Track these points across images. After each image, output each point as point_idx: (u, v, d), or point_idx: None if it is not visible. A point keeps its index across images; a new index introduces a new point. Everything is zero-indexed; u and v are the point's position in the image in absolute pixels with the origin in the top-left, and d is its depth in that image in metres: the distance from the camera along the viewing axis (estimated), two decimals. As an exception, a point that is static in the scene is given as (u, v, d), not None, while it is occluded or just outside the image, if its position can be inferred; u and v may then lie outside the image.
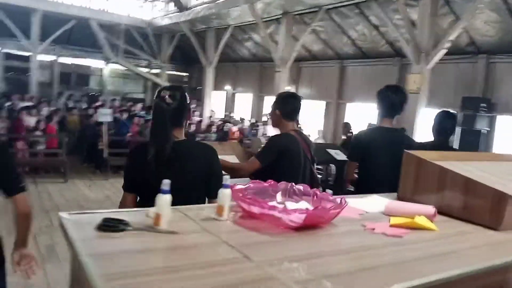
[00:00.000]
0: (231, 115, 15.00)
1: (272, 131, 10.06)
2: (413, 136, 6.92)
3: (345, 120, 10.52)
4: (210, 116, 13.78)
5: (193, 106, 16.12)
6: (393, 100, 2.98)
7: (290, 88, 13.34)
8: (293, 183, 1.50)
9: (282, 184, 1.49)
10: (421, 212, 1.32)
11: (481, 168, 1.46)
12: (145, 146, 1.97)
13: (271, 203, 1.24)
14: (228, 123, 12.05)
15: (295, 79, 13.52)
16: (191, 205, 1.49)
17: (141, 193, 2.04)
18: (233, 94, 17.13)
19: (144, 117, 10.06)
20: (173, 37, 16.01)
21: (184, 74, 20.83)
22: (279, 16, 10.78)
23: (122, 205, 2.02)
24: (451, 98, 8.63)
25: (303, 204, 1.36)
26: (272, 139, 2.85)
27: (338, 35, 11.17)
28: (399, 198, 1.54)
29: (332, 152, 4.02)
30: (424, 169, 1.47)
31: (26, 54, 14.68)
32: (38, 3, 13.44)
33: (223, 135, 10.85)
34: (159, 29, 15.52)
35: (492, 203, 1.28)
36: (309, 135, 10.99)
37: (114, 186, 7.77)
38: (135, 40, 15.82)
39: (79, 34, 15.90)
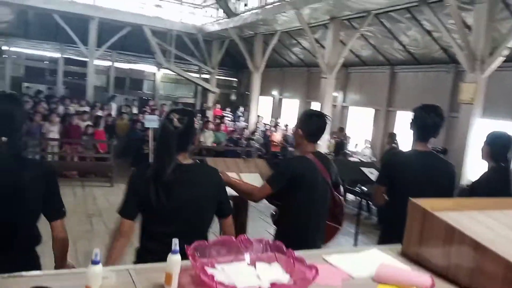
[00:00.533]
0: (278, 121, 14.87)
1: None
2: (466, 154, 6.49)
3: (395, 130, 10.09)
4: (257, 122, 13.74)
5: (240, 110, 16.24)
6: (428, 122, 2.72)
7: (337, 95, 13.08)
8: (268, 241, 1.35)
9: (255, 241, 1.33)
10: (416, 282, 1.12)
11: (506, 221, 1.23)
12: (147, 167, 1.95)
13: (219, 279, 1.11)
14: (270, 130, 11.94)
15: (343, 85, 13.19)
16: (146, 264, 1.43)
17: (143, 218, 2.00)
18: (280, 100, 17.02)
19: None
20: (222, 42, 16.19)
21: (233, 79, 21.02)
22: (326, 22, 10.54)
23: (118, 233, 1.96)
24: (509, 109, 7.99)
25: (274, 270, 1.21)
26: (284, 162, 2.71)
27: (389, 40, 10.73)
28: (403, 253, 1.35)
29: (366, 171, 3.76)
30: (430, 223, 1.27)
31: (84, 59, 15.44)
32: (95, 11, 14.10)
33: (265, 142, 10.77)
34: (209, 35, 15.75)
35: (504, 274, 1.06)
36: (356, 145, 10.63)
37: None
38: (186, 45, 16.15)
39: (133, 41, 16.52)
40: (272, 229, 2.72)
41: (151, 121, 9.02)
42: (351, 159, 10.35)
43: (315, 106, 12.39)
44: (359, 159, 10.57)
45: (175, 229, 1.94)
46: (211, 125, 10.54)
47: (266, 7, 11.61)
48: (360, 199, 4.78)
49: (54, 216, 1.93)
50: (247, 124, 13.62)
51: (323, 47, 10.87)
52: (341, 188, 2.90)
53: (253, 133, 11.01)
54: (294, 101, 16.20)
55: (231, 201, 3.03)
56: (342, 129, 10.14)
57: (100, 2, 14.65)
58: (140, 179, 1.95)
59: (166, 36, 15.46)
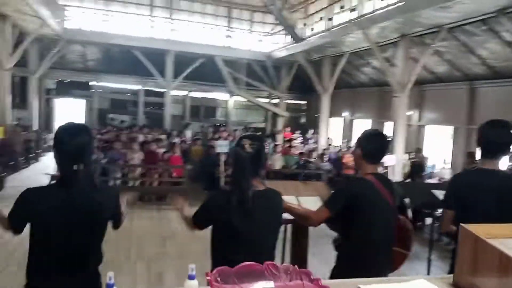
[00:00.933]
0: (349, 142, 14.56)
1: (391, 161, 9.50)
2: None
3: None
4: (329, 144, 13.57)
5: (311, 133, 16.18)
6: (497, 139, 2.51)
7: (412, 113, 12.54)
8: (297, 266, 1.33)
9: (283, 268, 1.30)
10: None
11: None
12: (226, 194, 2.05)
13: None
14: (342, 151, 11.71)
15: (418, 103, 12.64)
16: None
17: (216, 240, 2.12)
18: (351, 121, 16.70)
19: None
20: (291, 67, 16.40)
21: (303, 102, 21.07)
22: (396, 39, 10.26)
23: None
24: None
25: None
26: (342, 184, 2.61)
27: (465, 54, 10.15)
28: (454, 283, 1.24)
29: (438, 193, 3.52)
30: (483, 251, 1.16)
31: (162, 90, 16.47)
32: (172, 45, 15.09)
33: (337, 164, 10.56)
34: (277, 61, 16.07)
35: None
36: (433, 165, 10.02)
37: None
38: (256, 72, 16.62)
39: (206, 70, 17.33)
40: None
41: (222, 146, 9.30)
42: (430, 180, 9.80)
43: (388, 126, 12.00)
44: (439, 180, 9.98)
45: (247, 253, 2.01)
46: (280, 149, 10.61)
47: (332, 30, 11.61)
48: (433, 222, 4.48)
49: (118, 226, 2.20)
50: (316, 145, 13.51)
51: (393, 65, 10.57)
52: (409, 212, 2.75)
53: (322, 155, 10.86)
54: (366, 122, 15.79)
55: (289, 225, 3.02)
56: (419, 150, 9.65)
57: (176, 36, 15.66)
58: (218, 206, 2.05)
59: (236, 65, 16.06)
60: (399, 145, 9.91)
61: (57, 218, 1.86)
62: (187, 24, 16.79)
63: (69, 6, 15.08)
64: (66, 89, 17.97)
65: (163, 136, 11.88)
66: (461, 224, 1.30)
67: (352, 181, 2.58)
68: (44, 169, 11.07)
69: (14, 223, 1.93)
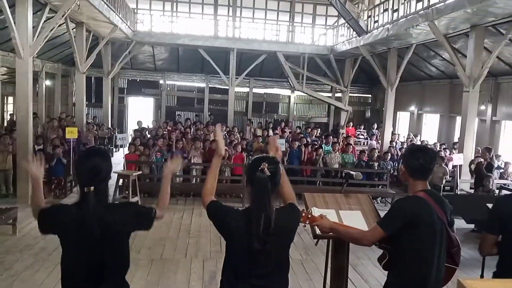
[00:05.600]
0: (415, 138, 13.90)
1: (459, 160, 8.93)
2: None
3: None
4: (391, 141, 13.05)
5: (375, 128, 15.67)
6: None
7: (483, 108, 11.68)
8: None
9: None
10: None
11: None
12: (245, 214, 2.12)
13: None
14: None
15: (492, 97, 11.74)
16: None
17: (230, 255, 2.19)
18: (420, 115, 15.89)
19: (316, 144, 10.25)
20: (355, 60, 15.95)
21: (368, 95, 20.43)
22: (467, 30, 9.57)
23: None
24: None
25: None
26: (397, 203, 2.50)
27: (546, 43, 9.23)
28: None
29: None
30: None
31: (225, 87, 16.84)
32: (234, 43, 15.34)
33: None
34: (341, 54, 15.70)
35: None
36: (505, 164, 9.26)
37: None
38: (318, 66, 16.38)
39: (268, 67, 17.43)
40: (379, 273, 2.57)
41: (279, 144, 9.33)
42: (502, 181, 9.10)
43: (459, 120, 11.25)
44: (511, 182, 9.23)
45: (264, 271, 2.08)
46: (339, 146, 10.38)
47: (397, 22, 11.09)
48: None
49: (149, 227, 2.28)
50: (378, 144, 13.06)
51: (465, 56, 9.88)
52: (454, 228, 2.62)
53: (385, 153, 10.45)
54: (435, 116, 14.98)
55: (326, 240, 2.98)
56: (488, 150, 8.94)
57: (239, 34, 15.90)
58: (241, 223, 2.10)
59: (299, 60, 15.92)
60: (468, 142, 9.29)
61: (71, 235, 2.08)
62: (250, 21, 16.95)
63: (139, 9, 15.89)
64: (136, 88, 19.02)
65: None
66: (458, 279, 1.21)
67: (409, 200, 2.47)
68: (115, 166, 11.82)
69: (40, 227, 2.17)
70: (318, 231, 2.67)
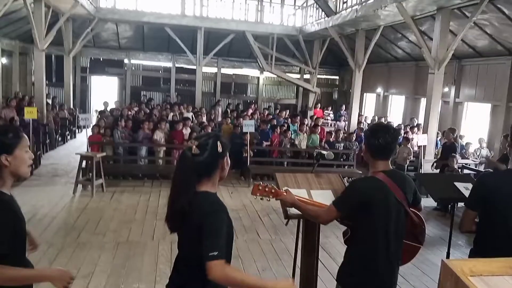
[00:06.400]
0: (382, 119, 14.13)
1: (423, 140, 9.14)
2: None
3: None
4: (359, 122, 13.21)
5: (343, 109, 15.82)
6: None
7: (447, 90, 11.96)
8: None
9: None
10: None
11: None
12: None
13: None
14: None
15: (455, 79, 12.03)
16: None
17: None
18: (386, 97, 16.15)
19: (285, 126, 10.25)
20: (324, 41, 15.93)
21: (335, 77, 20.57)
22: (433, 12, 9.69)
23: None
24: None
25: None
26: (353, 183, 2.48)
27: (509, 28, 9.46)
28: None
29: (461, 186, 3.28)
30: None
31: (193, 67, 16.48)
32: (202, 22, 14.96)
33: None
34: (310, 35, 15.61)
35: None
36: (467, 145, 9.57)
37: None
38: (287, 47, 16.25)
39: (237, 47, 17.15)
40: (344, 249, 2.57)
41: (248, 126, 9.25)
42: (464, 161, 9.40)
43: (424, 102, 11.50)
44: (473, 162, 9.55)
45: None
46: (306, 128, 10.42)
47: (365, 3, 11.09)
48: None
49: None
50: (346, 123, 13.20)
51: (431, 39, 10.02)
52: (421, 204, 2.62)
53: (350, 134, 10.57)
54: (400, 98, 15.26)
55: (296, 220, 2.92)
56: (453, 130, 9.18)
57: (206, 12, 15.50)
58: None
59: (267, 40, 15.74)
60: (433, 123, 9.50)
61: None
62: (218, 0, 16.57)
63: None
64: (100, 67, 18.31)
65: (190, 115, 11.90)
66: (442, 260, 1.17)
67: (362, 182, 2.47)
68: (77, 147, 11.40)
69: None
70: (289, 212, 2.62)
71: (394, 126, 2.66)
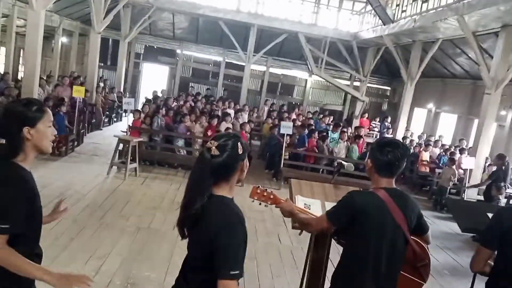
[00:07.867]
0: (431, 137, 13.49)
1: (470, 163, 8.61)
2: None
3: None
4: (404, 138, 12.68)
5: (388, 121, 15.28)
6: None
7: (504, 113, 11.23)
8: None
9: None
10: None
11: None
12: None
13: None
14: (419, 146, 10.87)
15: (514, 103, 11.28)
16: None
17: None
18: (437, 114, 15.42)
19: (325, 133, 9.99)
20: (377, 50, 15.45)
21: (387, 88, 19.92)
22: (497, 30, 9.10)
23: None
24: None
25: None
26: (348, 195, 2.24)
27: None
28: None
29: None
30: None
31: (242, 64, 16.53)
32: (256, 19, 14.95)
33: (412, 161, 9.83)
34: (364, 42, 15.20)
35: None
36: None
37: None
38: (339, 53, 15.92)
39: (288, 47, 17.02)
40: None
41: (286, 128, 9.10)
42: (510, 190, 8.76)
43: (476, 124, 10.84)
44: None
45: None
46: (347, 136, 10.11)
47: (425, 13, 10.60)
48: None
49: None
50: (391, 136, 12.70)
51: (491, 57, 9.42)
52: (429, 235, 2.35)
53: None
54: (452, 116, 14.52)
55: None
56: (502, 156, 8.55)
57: (261, 10, 15.47)
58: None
59: (320, 43, 15.49)
60: (482, 147, 8.93)
61: None
62: (274, -2, 16.50)
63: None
64: (153, 55, 18.81)
65: (231, 111, 11.88)
66: None
67: (358, 194, 2.26)
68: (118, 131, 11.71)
69: None
70: (293, 223, 2.50)
71: (403, 142, 2.42)
